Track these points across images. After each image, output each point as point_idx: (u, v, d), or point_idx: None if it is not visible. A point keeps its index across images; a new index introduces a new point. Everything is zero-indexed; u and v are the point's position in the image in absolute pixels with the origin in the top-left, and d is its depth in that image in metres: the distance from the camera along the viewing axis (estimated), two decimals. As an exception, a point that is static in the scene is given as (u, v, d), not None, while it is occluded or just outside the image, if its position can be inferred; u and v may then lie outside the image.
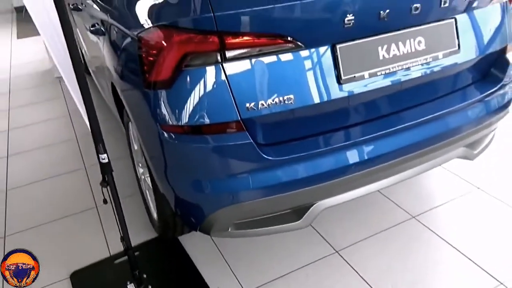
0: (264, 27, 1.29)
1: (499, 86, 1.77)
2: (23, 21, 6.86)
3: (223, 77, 1.30)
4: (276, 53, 1.32)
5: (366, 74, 1.44)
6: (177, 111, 1.35)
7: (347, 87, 1.43)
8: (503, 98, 1.81)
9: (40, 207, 2.37)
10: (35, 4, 1.97)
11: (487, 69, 1.80)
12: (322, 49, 1.38)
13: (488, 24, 1.70)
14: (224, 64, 1.29)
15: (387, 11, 1.37)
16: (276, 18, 1.29)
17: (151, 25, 1.39)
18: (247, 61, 1.30)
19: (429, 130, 1.62)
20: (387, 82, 1.49)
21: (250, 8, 1.25)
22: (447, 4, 1.49)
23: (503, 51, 1.78)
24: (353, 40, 1.40)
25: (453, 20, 1.58)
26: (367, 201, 2.22)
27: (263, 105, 1.33)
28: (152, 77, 1.36)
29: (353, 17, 1.33)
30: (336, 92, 1.42)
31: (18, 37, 6.06)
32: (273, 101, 1.34)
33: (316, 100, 1.40)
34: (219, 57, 1.28)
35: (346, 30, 1.36)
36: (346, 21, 1.33)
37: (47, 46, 2.19)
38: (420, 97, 1.64)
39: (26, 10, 6.87)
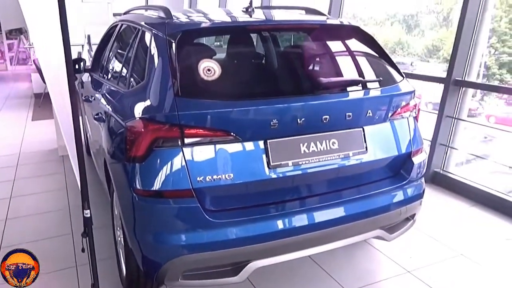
0: (213, 124, 1.85)
1: (405, 182, 2.28)
2: (39, 106, 7.71)
3: (181, 156, 1.83)
4: (221, 143, 1.87)
5: (290, 162, 1.97)
6: (146, 179, 1.86)
7: (275, 171, 1.95)
8: (410, 192, 2.30)
9: (27, 263, 2.74)
10: (55, 94, 2.62)
11: (398, 169, 2.33)
12: (256, 142, 1.93)
13: (392, 134, 2.26)
14: (183, 148, 1.83)
15: (303, 119, 1.94)
16: (222, 119, 1.85)
17: (136, 117, 1.96)
18: (200, 146, 1.85)
19: (345, 211, 2.09)
20: (307, 170, 2.01)
21: (203, 111, 1.82)
22: (351, 118, 2.06)
23: (409, 155, 2.32)
24: (280, 137, 1.96)
25: (361, 129, 2.14)
26: (307, 272, 2.60)
27: (209, 179, 1.84)
28: (132, 153, 1.89)
29: (277, 122, 1.90)
30: (266, 174, 1.93)
31: (33, 119, 6.82)
32: (217, 176, 1.85)
33: (250, 178, 1.91)
34: (179, 142, 1.82)
35: (273, 130, 1.91)
36: (272, 124, 1.90)
37: (60, 126, 2.79)
38: (337, 184, 2.15)
39: (43, 96, 7.78)
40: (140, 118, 1.92)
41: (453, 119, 3.93)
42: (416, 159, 2.34)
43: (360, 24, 2.44)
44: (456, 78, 3.83)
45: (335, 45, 2.43)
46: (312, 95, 2.01)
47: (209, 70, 1.93)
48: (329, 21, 2.45)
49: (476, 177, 3.85)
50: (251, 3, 2.46)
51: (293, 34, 2.66)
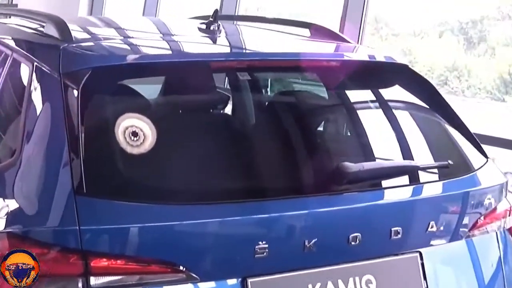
0: (146, 250, 1.69)
1: None
2: None
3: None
4: (161, 284, 1.72)
5: None
6: None
7: None
8: None
9: None
10: None
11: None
12: (227, 283, 1.79)
13: (472, 262, 2.19)
14: (86, 296, 1.67)
15: (314, 240, 1.82)
16: (163, 241, 1.71)
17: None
18: None
19: None
20: None
21: (128, 225, 1.69)
22: (400, 236, 1.98)
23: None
24: (271, 273, 1.82)
25: (417, 254, 2.05)
26: None
27: None
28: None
29: (266, 245, 1.77)
30: None
31: None
32: None
33: None
34: (80, 285, 1.65)
35: (259, 261, 1.77)
36: (258, 249, 1.77)
37: None
38: None
39: None
40: (6, 232, 1.77)
41: None
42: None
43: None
44: None
45: (366, 100, 2.42)
46: (330, 194, 1.95)
47: (141, 144, 1.84)
48: (355, 55, 2.45)
49: None
50: (215, 15, 2.40)
51: (293, 78, 2.64)
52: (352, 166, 1.94)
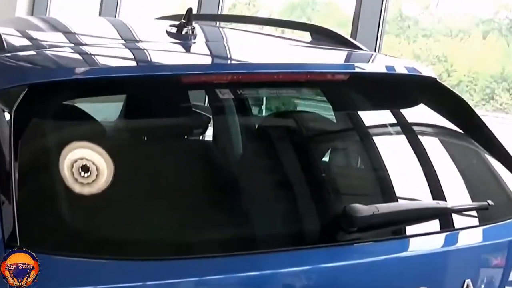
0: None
1: None
2: None
3: None
4: None
5: None
6: None
7: None
8: None
9: None
10: None
11: None
12: None
13: None
14: None
15: None
16: None
17: None
18: None
19: None
20: None
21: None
22: None
23: None
24: None
25: None
26: None
27: None
28: None
29: None
30: None
31: None
32: None
33: None
34: None
35: None
36: None
37: None
38: None
39: None
40: None
41: None
42: None
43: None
44: None
45: (383, 123, 2.44)
46: (336, 245, 1.96)
47: (93, 182, 1.82)
48: (369, 66, 2.48)
49: None
50: (189, 15, 2.37)
51: (290, 97, 2.64)
52: (363, 209, 1.93)
